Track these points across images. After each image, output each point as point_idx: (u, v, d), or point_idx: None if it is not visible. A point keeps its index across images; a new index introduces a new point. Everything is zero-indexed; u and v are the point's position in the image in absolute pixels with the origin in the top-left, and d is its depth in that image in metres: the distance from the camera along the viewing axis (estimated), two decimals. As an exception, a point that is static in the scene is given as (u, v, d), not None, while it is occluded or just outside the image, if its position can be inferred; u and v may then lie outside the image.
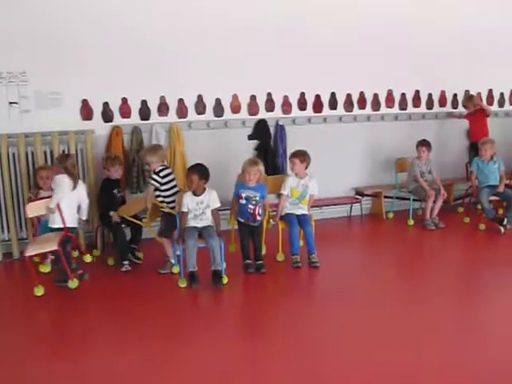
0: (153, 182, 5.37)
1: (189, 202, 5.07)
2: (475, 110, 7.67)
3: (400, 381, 3.39)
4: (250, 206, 5.32)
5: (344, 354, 3.74)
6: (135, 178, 6.28)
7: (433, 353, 3.72)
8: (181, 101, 6.48)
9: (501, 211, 6.97)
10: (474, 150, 7.54)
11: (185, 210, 5.06)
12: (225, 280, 5.00)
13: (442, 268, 5.63)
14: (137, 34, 6.11)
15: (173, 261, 5.35)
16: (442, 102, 7.90)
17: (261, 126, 6.83)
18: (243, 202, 5.34)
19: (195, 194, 5.08)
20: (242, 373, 3.52)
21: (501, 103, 8.34)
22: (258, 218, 5.34)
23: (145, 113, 6.36)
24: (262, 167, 5.47)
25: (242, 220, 5.42)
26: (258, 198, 5.33)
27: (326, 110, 7.22)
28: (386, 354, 3.71)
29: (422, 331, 4.06)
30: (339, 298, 4.75)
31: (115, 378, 3.47)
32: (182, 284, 4.97)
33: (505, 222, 6.61)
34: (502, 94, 8.32)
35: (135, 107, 6.32)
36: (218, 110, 6.67)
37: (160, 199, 5.42)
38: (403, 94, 7.64)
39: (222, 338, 4.00)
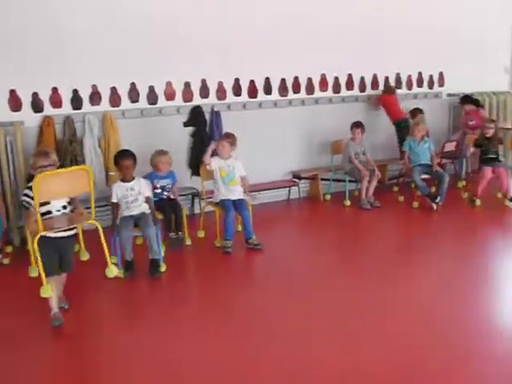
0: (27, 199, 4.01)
1: (118, 190, 5.01)
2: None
3: (341, 359, 3.50)
4: (165, 193, 5.62)
5: (281, 334, 3.82)
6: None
7: (368, 326, 3.85)
8: (113, 89, 6.38)
9: (433, 189, 7.21)
10: (399, 128, 7.81)
11: (114, 200, 5.01)
12: (163, 268, 4.99)
13: (377, 245, 5.82)
14: (65, 21, 5.97)
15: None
16: (374, 85, 8.06)
17: (196, 112, 6.81)
18: (158, 191, 5.55)
19: (124, 180, 5.04)
20: (177, 359, 3.54)
21: (430, 85, 8.59)
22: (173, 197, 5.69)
23: (77, 102, 6.24)
24: (169, 157, 5.70)
25: (158, 198, 5.53)
26: (170, 185, 5.64)
27: (261, 96, 7.26)
28: (324, 335, 3.81)
29: (359, 307, 4.19)
30: (279, 279, 4.83)
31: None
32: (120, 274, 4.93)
33: (437, 199, 6.85)
34: (431, 77, 8.56)
35: (66, 97, 6.19)
36: (152, 97, 6.61)
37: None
38: (336, 78, 7.76)
39: (157, 325, 4.02)
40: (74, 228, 4.12)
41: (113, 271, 4.16)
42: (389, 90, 7.94)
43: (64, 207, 4.06)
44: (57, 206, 4.02)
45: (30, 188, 3.86)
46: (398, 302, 4.31)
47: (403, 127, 7.73)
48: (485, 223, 6.48)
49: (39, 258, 3.85)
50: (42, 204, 3.91)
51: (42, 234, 3.85)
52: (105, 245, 4.17)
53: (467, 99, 8.31)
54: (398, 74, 8.25)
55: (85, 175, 4.03)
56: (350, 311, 4.14)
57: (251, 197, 5.81)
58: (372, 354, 3.51)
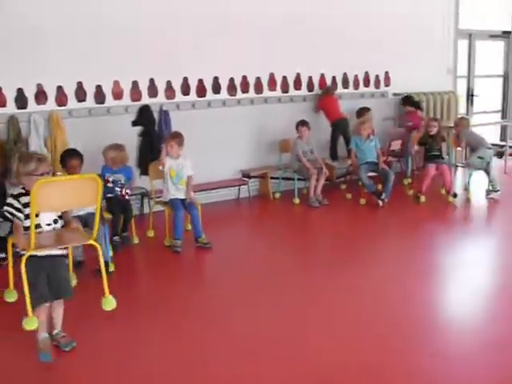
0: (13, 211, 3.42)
1: None
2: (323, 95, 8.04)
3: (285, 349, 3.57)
4: (117, 189, 5.52)
5: (231, 328, 3.87)
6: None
7: (315, 321, 3.94)
8: (60, 88, 6.30)
9: (380, 187, 7.39)
10: (336, 128, 7.95)
11: None
12: (111, 268, 4.96)
13: (326, 242, 5.97)
14: (12, 20, 5.85)
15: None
16: (322, 84, 8.19)
17: (144, 112, 6.78)
18: (110, 185, 5.50)
19: None
20: (132, 357, 3.55)
21: (376, 85, 8.78)
22: (127, 197, 5.59)
23: (21, 101, 6.12)
24: (125, 151, 5.66)
25: (110, 195, 5.49)
26: (123, 181, 5.55)
27: (210, 95, 7.28)
28: (274, 327, 3.87)
29: (309, 301, 4.29)
30: (230, 277, 4.87)
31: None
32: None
33: (383, 196, 7.02)
34: (377, 76, 8.76)
35: (10, 96, 6.06)
36: (100, 96, 6.55)
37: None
38: (285, 77, 7.85)
39: (109, 325, 4.00)
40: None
41: (111, 303, 3.61)
42: (327, 92, 8.03)
43: (55, 221, 3.50)
44: (47, 219, 3.46)
45: (15, 197, 3.36)
46: (347, 295, 4.40)
47: (340, 127, 7.88)
48: (429, 218, 6.68)
49: (25, 281, 3.27)
50: (29, 217, 3.34)
51: (33, 252, 3.31)
52: (104, 270, 3.63)
53: (408, 100, 8.54)
54: (345, 74, 8.40)
55: (94, 185, 3.48)
56: (300, 305, 4.23)
57: (192, 199, 5.74)
58: (321, 344, 3.59)
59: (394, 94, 8.91)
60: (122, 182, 5.56)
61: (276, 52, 7.53)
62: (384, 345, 3.59)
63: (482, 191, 7.40)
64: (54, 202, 3.35)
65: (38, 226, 3.38)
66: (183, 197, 5.68)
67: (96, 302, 3.73)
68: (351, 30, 8.11)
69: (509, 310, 4.13)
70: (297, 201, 7.27)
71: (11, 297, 3.88)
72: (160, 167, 5.73)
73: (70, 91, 6.36)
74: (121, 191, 5.54)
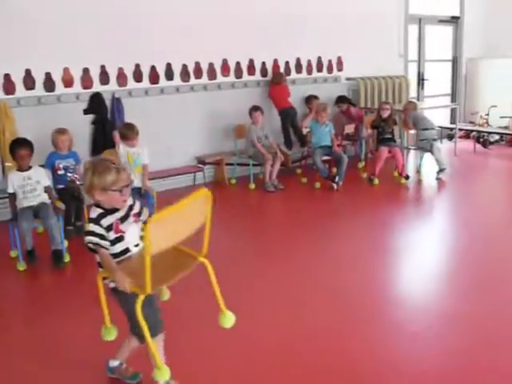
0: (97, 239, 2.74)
1: (14, 179, 4.84)
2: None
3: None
4: (69, 174, 5.45)
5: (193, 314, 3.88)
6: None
7: (272, 299, 4.00)
8: (6, 76, 6.13)
9: (334, 170, 7.48)
10: (283, 117, 7.94)
11: (10, 190, 4.84)
12: (66, 258, 4.90)
13: (281, 225, 6.01)
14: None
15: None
16: (275, 70, 8.20)
17: (96, 99, 6.67)
18: (61, 172, 5.41)
19: (21, 169, 4.89)
20: (83, 347, 3.52)
21: (329, 70, 8.85)
22: (77, 182, 5.43)
23: (-34, 91, 5.96)
24: (70, 135, 5.56)
25: (61, 186, 5.39)
26: (73, 166, 5.47)
27: (163, 81, 7.21)
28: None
29: (265, 282, 4.33)
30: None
31: None
32: (21, 267, 4.78)
33: (337, 180, 7.12)
34: (330, 61, 8.82)
35: (-46, 85, 5.90)
36: (49, 84, 6.41)
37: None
38: (238, 63, 7.84)
39: (64, 316, 3.96)
40: None
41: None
42: (277, 79, 8.00)
43: (141, 237, 2.84)
44: (133, 239, 2.84)
45: (96, 221, 2.71)
46: (305, 276, 4.46)
47: (288, 116, 7.90)
48: (382, 200, 6.81)
49: (141, 321, 2.58)
50: (117, 239, 2.75)
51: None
52: (216, 287, 2.85)
53: (341, 99, 8.59)
54: (298, 59, 8.44)
55: (207, 202, 2.83)
56: (257, 285, 4.28)
57: (147, 188, 5.69)
58: (279, 322, 3.65)
59: (347, 79, 9.01)
60: (72, 166, 5.47)
61: (229, 38, 7.51)
62: (334, 317, 3.67)
63: (432, 173, 7.57)
64: (170, 237, 2.62)
65: (126, 250, 2.79)
66: (139, 185, 5.63)
67: (52, 292, 3.65)
68: (303, 16, 8.14)
69: (459, 285, 4.26)
70: (252, 186, 7.30)
71: (110, 335, 2.94)
72: (116, 148, 5.70)
73: (17, 79, 6.20)
74: (71, 177, 5.44)
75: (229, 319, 2.84)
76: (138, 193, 5.55)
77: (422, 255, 4.97)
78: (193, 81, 7.45)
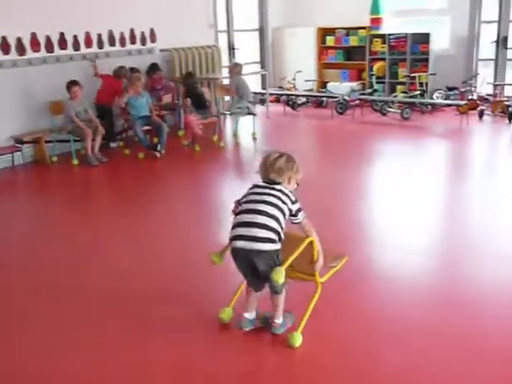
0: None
1: None
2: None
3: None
4: None
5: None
6: None
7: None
8: None
9: (156, 139, 7.72)
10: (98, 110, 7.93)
11: None
12: None
13: (108, 198, 6.17)
14: None
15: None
16: (88, 43, 8.14)
17: None
18: None
19: None
20: None
21: (143, 42, 8.98)
22: None
23: None
24: None
25: None
26: None
27: (-36, 59, 6.87)
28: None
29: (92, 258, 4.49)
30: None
31: None
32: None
33: (159, 148, 7.39)
34: (143, 33, 8.94)
35: None
36: None
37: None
38: (48, 37, 7.66)
39: None
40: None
41: (297, 339, 3.12)
42: (118, 75, 7.99)
43: None
44: None
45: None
46: (137, 246, 4.71)
47: (101, 111, 7.90)
48: (203, 163, 7.26)
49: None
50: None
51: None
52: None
53: (153, 68, 8.81)
54: (110, 32, 8.43)
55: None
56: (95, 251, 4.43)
57: None
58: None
59: (161, 50, 9.20)
60: None
61: (37, 10, 7.29)
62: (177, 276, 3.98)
63: (247, 136, 8.14)
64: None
65: None
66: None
67: None
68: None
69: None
70: (75, 162, 7.25)
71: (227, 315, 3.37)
72: None
73: None
74: None
75: (295, 339, 3.13)
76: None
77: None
78: (1, 56, 7.15)
